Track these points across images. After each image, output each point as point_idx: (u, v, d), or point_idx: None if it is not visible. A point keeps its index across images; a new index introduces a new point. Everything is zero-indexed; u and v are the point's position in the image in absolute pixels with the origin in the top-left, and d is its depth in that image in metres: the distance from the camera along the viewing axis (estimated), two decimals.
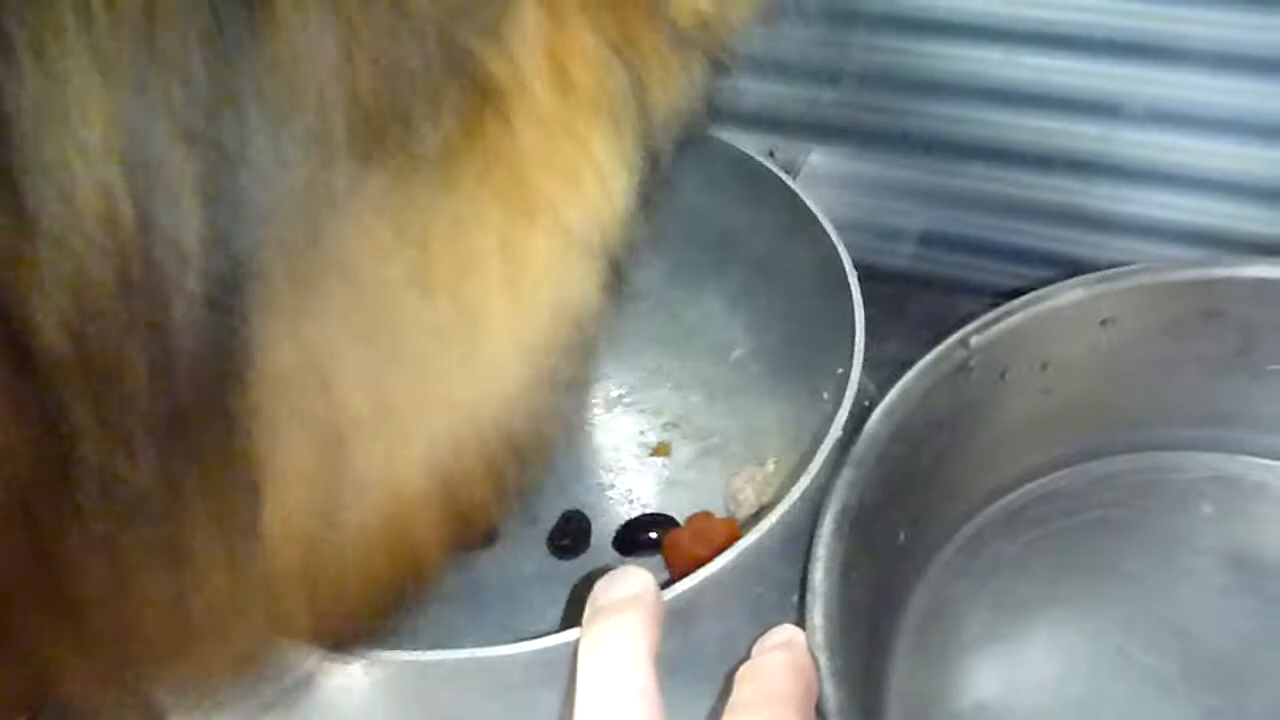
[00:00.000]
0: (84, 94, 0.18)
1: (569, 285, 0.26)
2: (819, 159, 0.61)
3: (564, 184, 0.25)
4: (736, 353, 0.59)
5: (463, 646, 0.36)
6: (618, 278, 0.27)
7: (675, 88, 0.27)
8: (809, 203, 0.51)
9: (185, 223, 0.19)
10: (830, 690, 0.35)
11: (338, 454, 0.23)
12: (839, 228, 0.50)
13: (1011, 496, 0.48)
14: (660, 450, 0.56)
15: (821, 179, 0.60)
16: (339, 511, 0.24)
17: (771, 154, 0.59)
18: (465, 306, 0.24)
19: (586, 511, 0.53)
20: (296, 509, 0.23)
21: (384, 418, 0.24)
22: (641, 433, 0.56)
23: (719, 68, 0.28)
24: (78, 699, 0.24)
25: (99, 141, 0.18)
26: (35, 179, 0.18)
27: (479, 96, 0.22)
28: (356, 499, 0.24)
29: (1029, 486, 0.48)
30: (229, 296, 0.20)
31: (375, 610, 0.28)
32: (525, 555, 0.51)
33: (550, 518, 0.52)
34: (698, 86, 0.27)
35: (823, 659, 0.36)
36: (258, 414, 0.21)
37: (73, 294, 0.19)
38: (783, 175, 0.53)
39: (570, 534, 0.52)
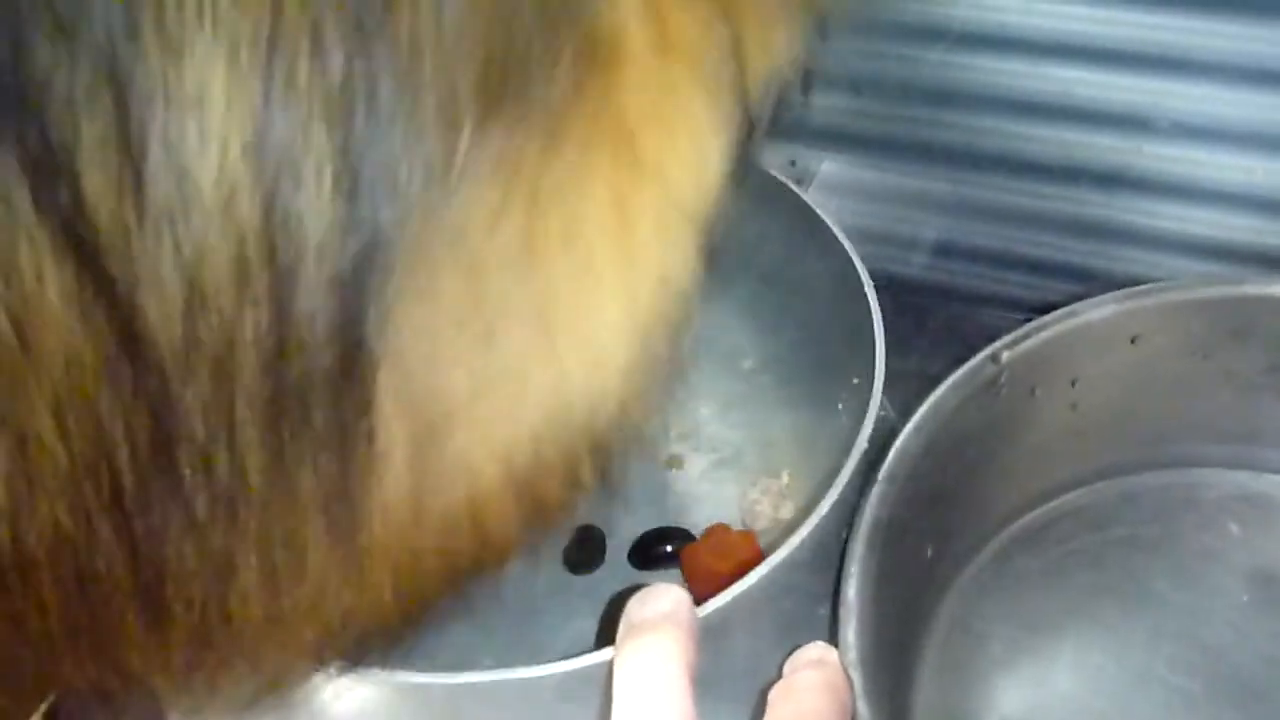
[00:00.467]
0: (208, 72, 0.18)
1: (674, 251, 0.25)
2: (830, 167, 0.60)
3: (667, 142, 0.24)
4: (748, 363, 0.58)
5: (478, 663, 0.35)
6: (710, 254, 0.27)
7: (774, 48, 0.26)
8: (820, 213, 0.50)
9: (313, 206, 0.19)
10: (864, 709, 0.35)
11: (435, 437, 0.23)
12: (850, 237, 0.49)
13: (1038, 512, 0.48)
14: (673, 462, 0.55)
15: (834, 188, 0.60)
16: (429, 495, 0.24)
17: (793, 164, 0.59)
18: (575, 268, 0.23)
19: (599, 525, 0.52)
20: (392, 492, 0.23)
21: (482, 400, 0.23)
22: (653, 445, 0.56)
23: (819, 31, 0.27)
24: (152, 687, 0.24)
25: (221, 121, 0.18)
26: (154, 157, 0.17)
27: (589, 49, 0.22)
28: (446, 482, 0.24)
29: (1056, 503, 0.48)
30: (358, 279, 0.19)
31: (435, 598, 0.27)
32: (540, 570, 0.50)
33: (564, 532, 0.51)
34: (795, 50, 0.27)
35: (856, 677, 0.35)
36: (376, 397, 0.21)
37: (186, 277, 0.18)
38: (793, 186, 0.52)
39: (584, 548, 0.51)
